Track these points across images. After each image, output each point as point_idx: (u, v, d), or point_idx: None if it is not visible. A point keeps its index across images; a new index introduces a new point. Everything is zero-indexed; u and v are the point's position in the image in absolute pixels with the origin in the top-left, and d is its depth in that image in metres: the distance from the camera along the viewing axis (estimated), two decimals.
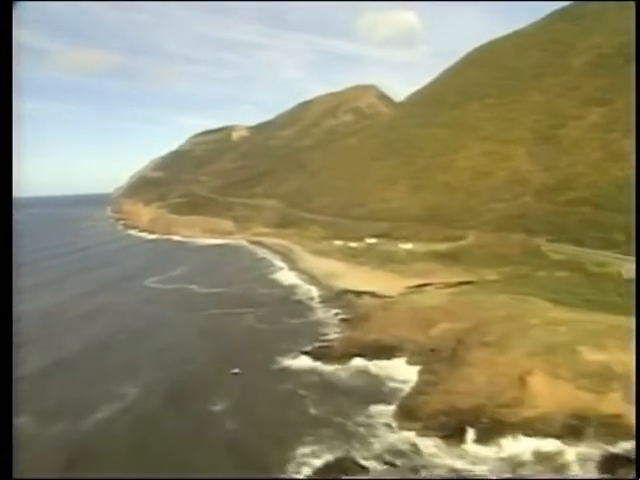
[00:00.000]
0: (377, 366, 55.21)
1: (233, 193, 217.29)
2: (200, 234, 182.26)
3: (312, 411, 46.20)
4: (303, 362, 57.62)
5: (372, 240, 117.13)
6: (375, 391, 49.78)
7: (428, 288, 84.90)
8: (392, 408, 45.23)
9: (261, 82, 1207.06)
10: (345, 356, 57.30)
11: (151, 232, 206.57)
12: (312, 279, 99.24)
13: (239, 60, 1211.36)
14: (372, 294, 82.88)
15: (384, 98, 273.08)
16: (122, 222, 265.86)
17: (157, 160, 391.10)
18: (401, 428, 41.42)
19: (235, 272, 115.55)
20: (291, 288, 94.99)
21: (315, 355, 58.58)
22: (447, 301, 63.08)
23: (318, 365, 56.43)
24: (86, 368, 59.46)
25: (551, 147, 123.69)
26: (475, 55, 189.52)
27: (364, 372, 54.44)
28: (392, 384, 50.89)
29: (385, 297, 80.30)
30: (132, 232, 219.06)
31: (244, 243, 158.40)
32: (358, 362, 56.43)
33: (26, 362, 61.19)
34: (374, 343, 58.71)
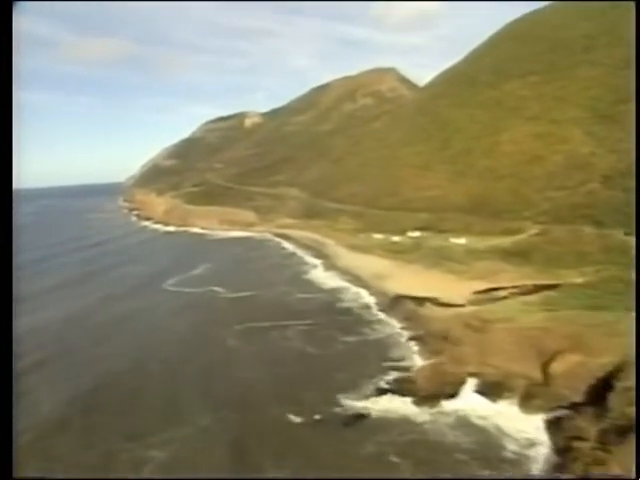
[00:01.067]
0: (480, 412, 40.91)
1: (251, 182, 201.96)
2: (219, 226, 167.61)
3: None
4: (380, 405, 43.35)
5: (415, 233, 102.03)
6: (494, 457, 35.48)
7: (500, 292, 70.55)
8: None
9: (272, 70, 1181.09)
10: (434, 397, 43.00)
11: (166, 224, 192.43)
12: (357, 280, 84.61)
13: (250, 48, 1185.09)
14: (435, 301, 68.35)
15: (405, 81, 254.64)
16: (135, 212, 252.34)
17: (169, 148, 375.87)
18: None
19: (264, 271, 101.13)
20: (335, 292, 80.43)
21: (394, 395, 44.33)
22: (559, 319, 48.10)
23: (401, 410, 42.17)
24: (107, 415, 45.32)
25: (615, 126, 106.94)
26: (510, 29, 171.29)
27: (466, 422, 40.11)
28: (513, 445, 36.58)
29: (452, 305, 65.98)
30: (147, 224, 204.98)
31: (268, 236, 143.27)
32: (453, 405, 42.21)
33: (30, 399, 47.64)
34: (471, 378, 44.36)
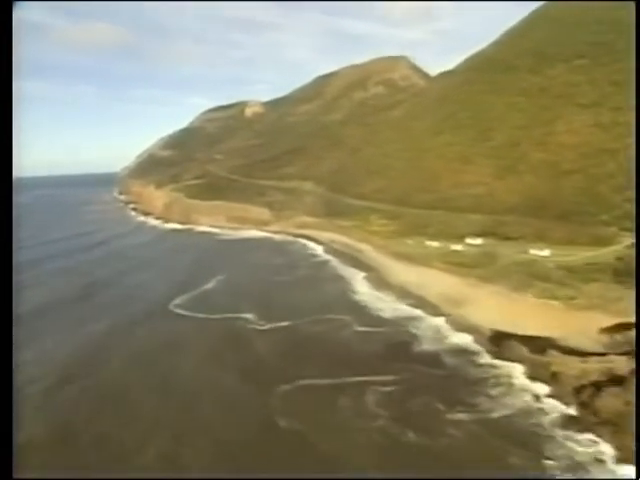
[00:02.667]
0: None
1: (258, 174, 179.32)
2: (228, 224, 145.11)
3: None
4: None
5: (477, 240, 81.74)
6: None
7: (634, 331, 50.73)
8: None
9: (273, 63, 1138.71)
10: None
11: (167, 220, 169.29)
12: (424, 306, 63.94)
13: (249, 40, 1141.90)
14: (556, 345, 48.35)
15: (417, 70, 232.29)
16: (132, 206, 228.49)
17: (166, 138, 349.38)
18: None
19: (298, 287, 79.44)
20: (404, 325, 59.22)
21: None
22: None
23: None
24: None
25: None
26: (547, 10, 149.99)
27: None
28: None
29: (587, 354, 46.02)
30: (146, 219, 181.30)
31: (289, 237, 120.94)
32: None
33: None
34: None
